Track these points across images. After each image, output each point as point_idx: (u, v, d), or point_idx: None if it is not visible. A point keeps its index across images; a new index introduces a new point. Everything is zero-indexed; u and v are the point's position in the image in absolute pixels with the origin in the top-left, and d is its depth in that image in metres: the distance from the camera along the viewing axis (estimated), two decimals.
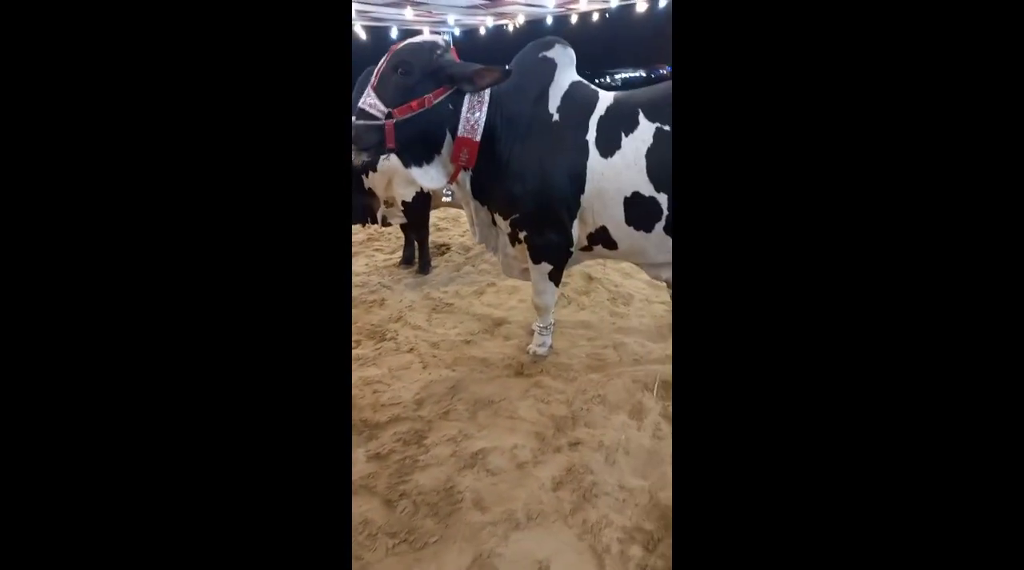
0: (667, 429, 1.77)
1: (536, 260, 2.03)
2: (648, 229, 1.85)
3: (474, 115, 1.79)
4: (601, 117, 1.85)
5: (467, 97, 1.77)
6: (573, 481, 1.56)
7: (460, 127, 1.79)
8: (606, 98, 1.90)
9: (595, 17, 11.66)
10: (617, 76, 11.85)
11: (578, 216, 1.92)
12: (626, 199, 1.81)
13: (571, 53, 1.95)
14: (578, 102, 1.88)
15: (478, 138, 1.80)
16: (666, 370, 2.11)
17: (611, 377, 2.09)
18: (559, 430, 1.80)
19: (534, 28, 12.18)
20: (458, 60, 1.79)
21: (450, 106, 1.78)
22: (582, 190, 1.85)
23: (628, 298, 2.91)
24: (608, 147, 1.81)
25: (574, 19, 11.63)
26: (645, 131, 1.77)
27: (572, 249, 2.01)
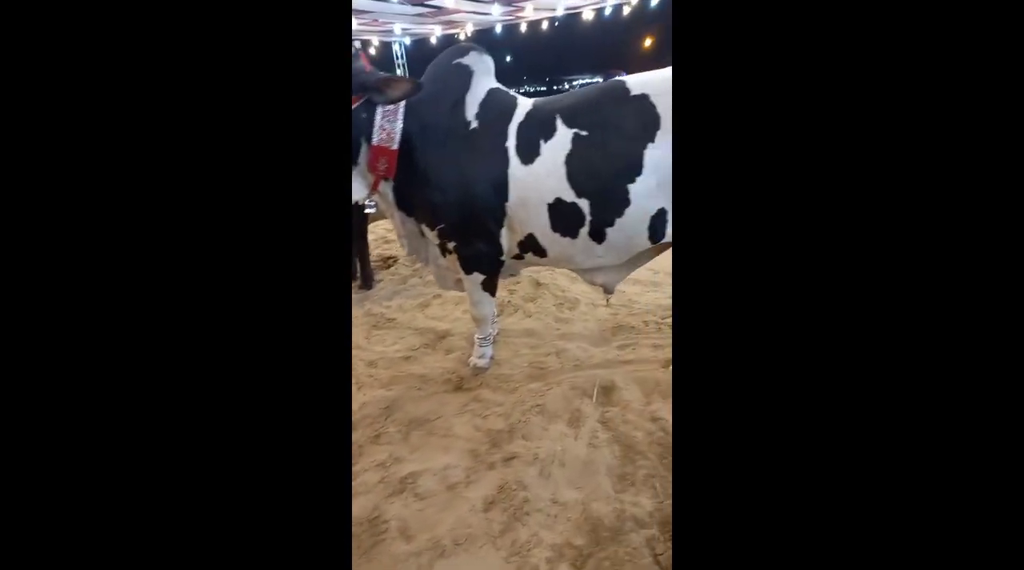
0: (604, 436, 1.73)
1: (467, 270, 1.98)
2: (574, 235, 1.82)
3: (390, 124, 1.74)
4: (520, 123, 1.81)
5: (379, 106, 1.71)
6: (505, 499, 1.50)
7: (375, 136, 1.73)
8: (525, 104, 1.87)
9: (544, 26, 11.77)
10: (575, 83, 11.93)
11: (506, 224, 1.88)
12: (549, 206, 1.78)
13: (488, 60, 1.91)
14: (496, 109, 1.84)
15: (395, 147, 1.75)
16: (607, 374, 2.09)
17: (551, 385, 2.04)
18: (494, 445, 1.74)
19: (484, 37, 12.19)
20: (369, 68, 1.73)
21: (363, 114, 1.72)
22: (506, 198, 1.81)
23: (574, 303, 2.89)
24: (528, 154, 1.78)
25: (523, 27, 11.70)
26: (563, 137, 1.75)
27: (503, 258, 1.96)
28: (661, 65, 1.88)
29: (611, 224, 1.76)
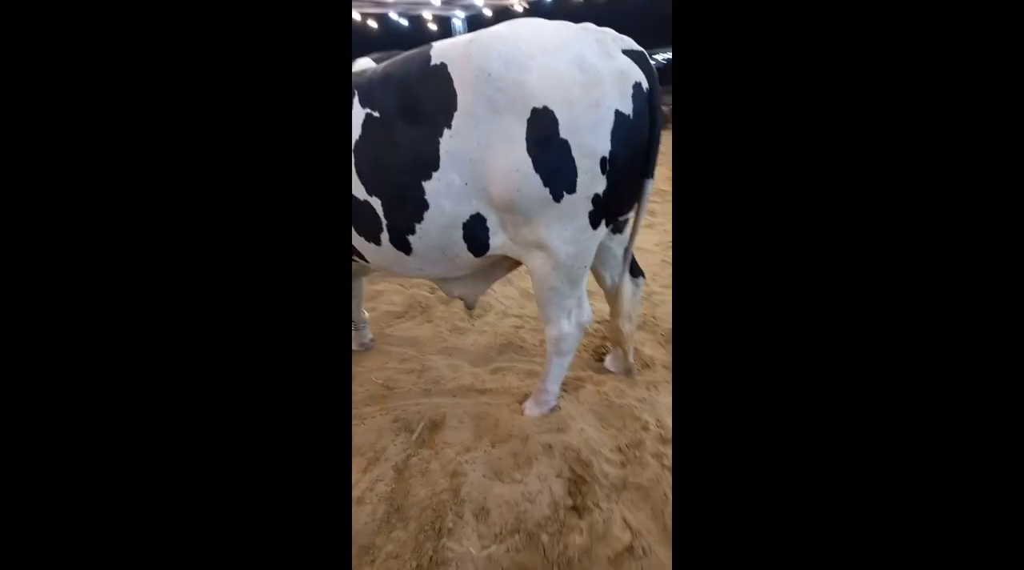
0: (382, 489, 1.42)
1: None
2: (377, 242, 1.49)
3: None
4: None
5: None
6: None
7: None
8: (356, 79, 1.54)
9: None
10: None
11: None
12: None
13: None
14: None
15: None
16: (451, 405, 1.76)
17: (379, 413, 1.76)
18: None
19: (537, 8, 11.66)
20: None
21: None
22: None
23: (486, 309, 2.54)
24: None
25: None
26: (356, 119, 1.41)
27: None
28: None
29: (412, 231, 1.41)
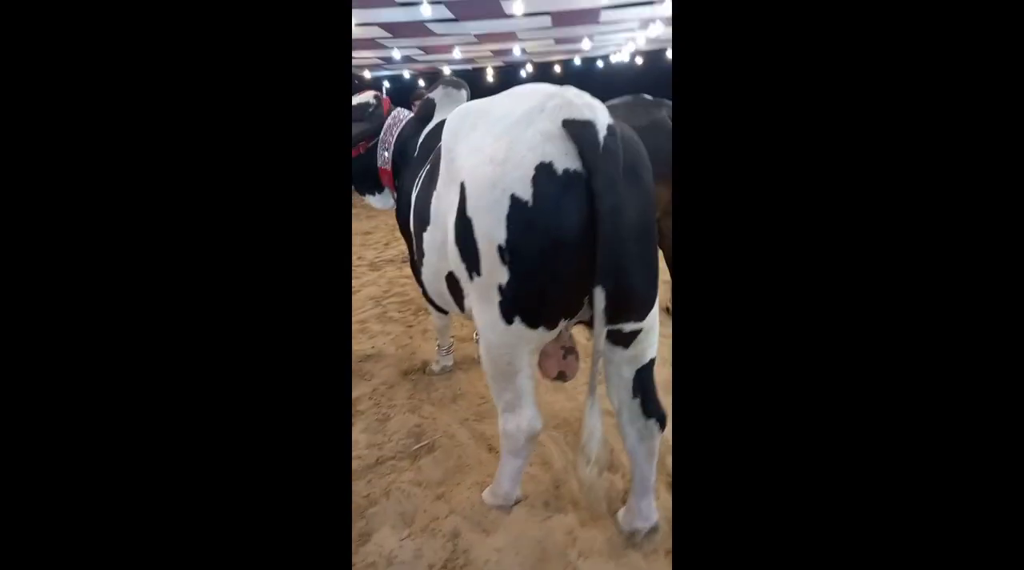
0: None
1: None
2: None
3: (386, 150, 2.17)
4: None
5: (381, 138, 2.18)
6: None
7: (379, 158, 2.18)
8: None
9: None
10: None
11: None
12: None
13: (456, 93, 2.06)
14: (431, 142, 1.85)
15: (388, 167, 2.17)
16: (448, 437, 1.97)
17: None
18: None
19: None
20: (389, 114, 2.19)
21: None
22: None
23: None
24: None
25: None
26: (422, 169, 1.65)
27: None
28: None
29: (420, 273, 1.62)
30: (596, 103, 1.13)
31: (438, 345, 2.32)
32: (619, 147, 1.05)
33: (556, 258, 1.08)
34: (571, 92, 1.14)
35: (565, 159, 1.05)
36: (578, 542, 1.37)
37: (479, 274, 1.16)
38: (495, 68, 10.99)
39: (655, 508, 1.38)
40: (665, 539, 1.35)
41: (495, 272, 1.12)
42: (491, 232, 1.09)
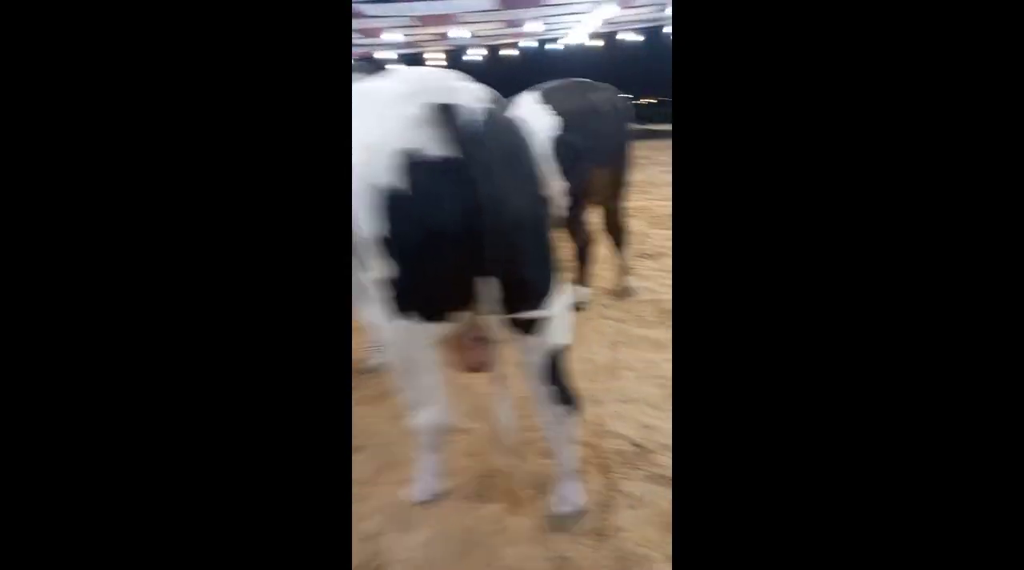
0: None
1: None
2: None
3: None
4: None
5: None
6: None
7: None
8: None
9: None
10: None
11: None
12: None
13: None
14: None
15: None
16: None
17: None
18: None
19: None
20: None
21: None
22: None
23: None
24: None
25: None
26: None
27: None
28: None
29: None
30: (471, 87, 1.08)
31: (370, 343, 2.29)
32: (489, 133, 1.00)
33: (434, 249, 1.03)
34: (444, 75, 1.08)
35: (435, 146, 1.00)
36: (507, 530, 1.37)
37: (364, 268, 1.11)
38: (446, 52, 10.70)
39: (581, 491, 1.38)
40: (592, 520, 1.37)
41: (377, 265, 1.07)
42: (365, 223, 1.04)
